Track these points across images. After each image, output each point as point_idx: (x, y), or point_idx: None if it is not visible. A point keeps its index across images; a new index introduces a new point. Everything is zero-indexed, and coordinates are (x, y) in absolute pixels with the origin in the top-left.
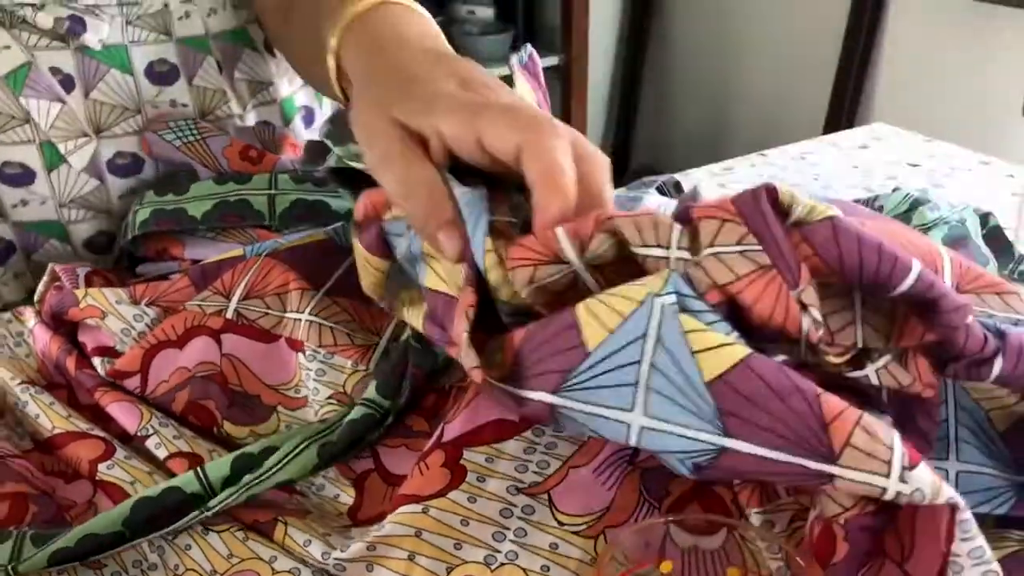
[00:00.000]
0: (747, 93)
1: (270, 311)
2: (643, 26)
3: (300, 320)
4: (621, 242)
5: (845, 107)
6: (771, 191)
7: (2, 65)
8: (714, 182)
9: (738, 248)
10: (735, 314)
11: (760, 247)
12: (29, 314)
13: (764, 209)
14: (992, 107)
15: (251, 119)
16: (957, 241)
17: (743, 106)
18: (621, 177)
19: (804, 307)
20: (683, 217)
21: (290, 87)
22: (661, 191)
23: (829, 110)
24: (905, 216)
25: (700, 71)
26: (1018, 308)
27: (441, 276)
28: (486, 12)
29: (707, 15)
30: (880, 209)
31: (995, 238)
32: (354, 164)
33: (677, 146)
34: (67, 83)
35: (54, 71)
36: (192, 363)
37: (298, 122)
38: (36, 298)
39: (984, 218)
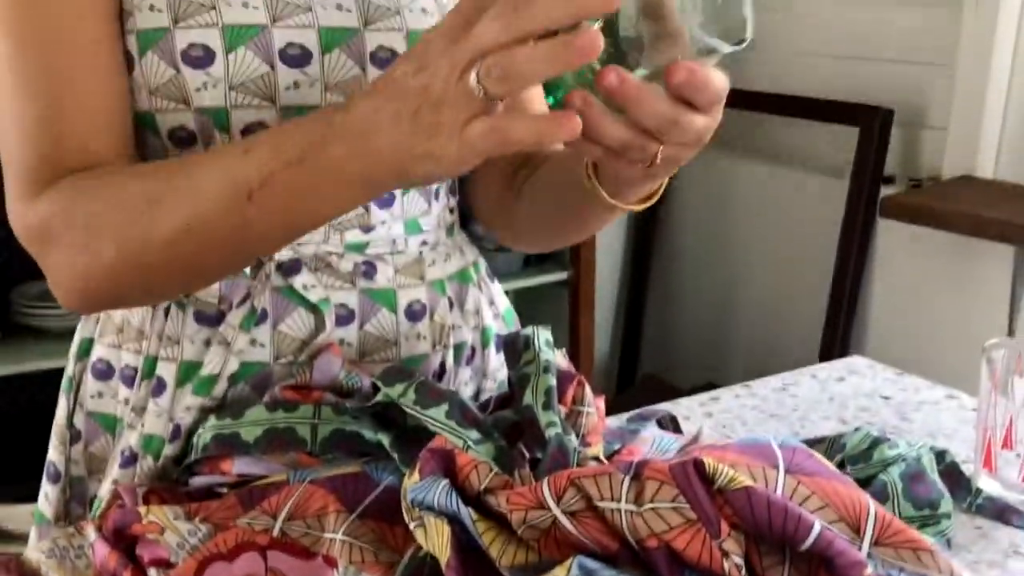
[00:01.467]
0: (746, 313)
1: (310, 531)
2: (648, 245)
3: (335, 539)
4: (588, 495)
5: (838, 335)
6: (699, 464)
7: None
8: (702, 411)
9: (672, 504)
10: (673, 555)
11: (689, 505)
12: (90, 529)
13: (691, 476)
14: (974, 339)
15: (469, 343)
16: (914, 477)
17: (743, 324)
18: (629, 385)
19: (725, 554)
20: (637, 472)
21: (493, 318)
22: (660, 424)
23: (823, 336)
24: (866, 453)
25: (702, 291)
26: (928, 563)
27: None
28: None
29: (708, 236)
30: (843, 447)
31: (951, 474)
32: (401, 403)
33: (681, 358)
34: (348, 317)
35: (340, 307)
36: (240, 575)
37: (492, 348)
38: (97, 514)
39: (940, 455)
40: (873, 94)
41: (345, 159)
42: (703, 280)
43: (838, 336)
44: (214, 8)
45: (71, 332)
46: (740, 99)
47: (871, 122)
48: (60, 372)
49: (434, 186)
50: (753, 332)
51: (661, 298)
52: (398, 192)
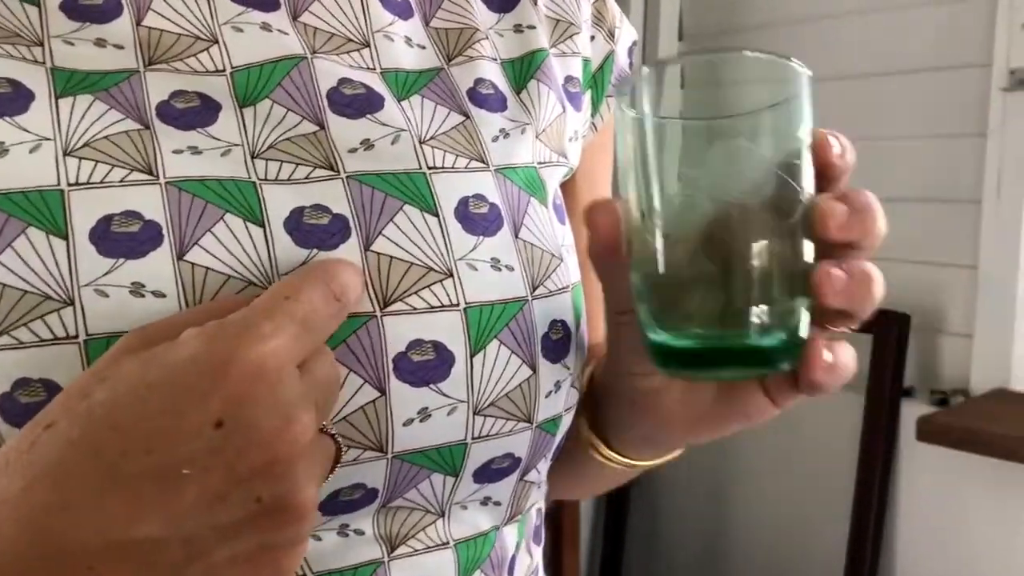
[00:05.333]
0: (748, 546)
1: None
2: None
3: None
4: None
5: (864, 571)
6: None
7: None
8: None
9: None
10: None
11: None
12: None
13: None
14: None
15: None
16: None
17: (745, 558)
18: None
19: None
20: None
21: None
22: None
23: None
24: None
25: (694, 518)
26: None
27: None
28: None
29: (701, 457)
30: None
31: None
32: None
33: None
34: None
35: None
36: None
37: None
38: None
39: None
40: (887, 298)
41: None
42: (696, 506)
43: (864, 572)
44: None
45: None
46: None
47: (885, 329)
48: None
49: (509, 552)
50: (758, 566)
51: (646, 523)
52: None
